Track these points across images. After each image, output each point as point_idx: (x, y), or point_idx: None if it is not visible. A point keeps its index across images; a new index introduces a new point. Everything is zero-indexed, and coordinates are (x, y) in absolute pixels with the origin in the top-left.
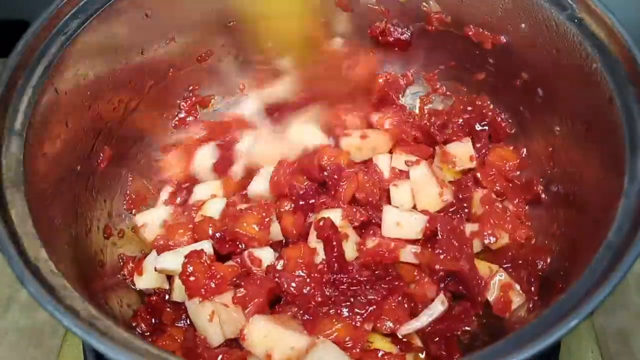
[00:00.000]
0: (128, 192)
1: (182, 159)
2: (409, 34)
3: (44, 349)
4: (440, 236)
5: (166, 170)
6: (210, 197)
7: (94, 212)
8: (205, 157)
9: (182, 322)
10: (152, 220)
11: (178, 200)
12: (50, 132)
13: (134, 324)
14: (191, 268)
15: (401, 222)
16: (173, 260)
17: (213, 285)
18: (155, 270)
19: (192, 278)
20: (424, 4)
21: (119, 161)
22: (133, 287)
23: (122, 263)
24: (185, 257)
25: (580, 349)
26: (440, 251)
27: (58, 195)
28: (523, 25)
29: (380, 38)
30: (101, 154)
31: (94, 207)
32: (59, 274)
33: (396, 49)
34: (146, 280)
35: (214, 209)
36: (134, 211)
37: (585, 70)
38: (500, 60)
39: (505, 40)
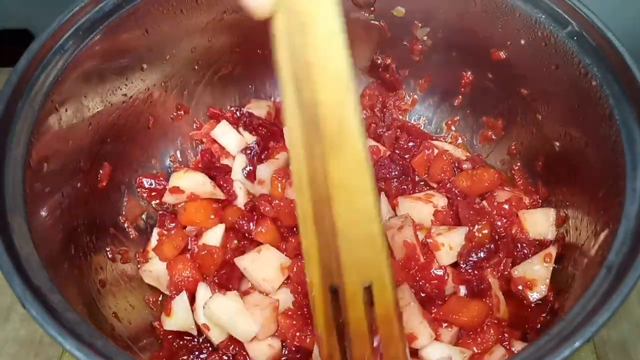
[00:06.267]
0: (124, 212)
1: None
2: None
3: (44, 358)
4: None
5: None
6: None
7: (95, 230)
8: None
9: None
10: (155, 270)
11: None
12: (51, 151)
13: None
14: None
15: None
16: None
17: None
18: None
19: None
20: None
21: (119, 178)
22: (159, 326)
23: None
24: None
25: (580, 358)
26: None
27: (58, 215)
28: (522, 41)
29: (380, 70)
30: (101, 171)
31: (94, 225)
32: (61, 298)
33: (384, 86)
34: (176, 322)
35: (214, 236)
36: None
37: (585, 87)
38: (499, 76)
39: (504, 57)
